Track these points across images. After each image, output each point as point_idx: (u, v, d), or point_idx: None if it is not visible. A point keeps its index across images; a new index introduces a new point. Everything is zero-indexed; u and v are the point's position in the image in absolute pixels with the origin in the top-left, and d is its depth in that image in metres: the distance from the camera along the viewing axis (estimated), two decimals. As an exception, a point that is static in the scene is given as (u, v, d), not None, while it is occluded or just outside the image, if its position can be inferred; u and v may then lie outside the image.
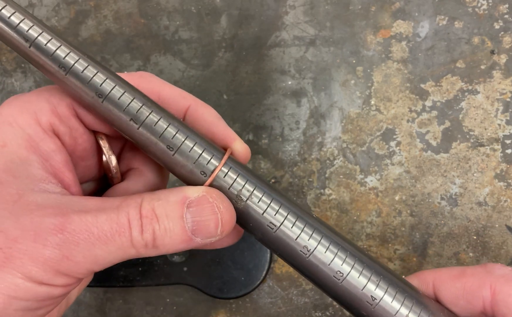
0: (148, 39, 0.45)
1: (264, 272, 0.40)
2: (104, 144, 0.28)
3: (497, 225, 0.40)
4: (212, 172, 0.25)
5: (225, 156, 0.25)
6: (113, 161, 0.28)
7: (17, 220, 0.22)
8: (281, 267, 0.41)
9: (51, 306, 0.24)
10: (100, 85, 0.24)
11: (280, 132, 0.43)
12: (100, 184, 0.31)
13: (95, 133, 0.28)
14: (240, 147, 0.28)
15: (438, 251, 0.40)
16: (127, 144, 0.30)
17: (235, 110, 0.44)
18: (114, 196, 0.27)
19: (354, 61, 0.43)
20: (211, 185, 0.25)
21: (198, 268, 0.41)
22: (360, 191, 0.41)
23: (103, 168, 0.29)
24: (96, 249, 0.22)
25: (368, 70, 0.43)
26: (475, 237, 0.40)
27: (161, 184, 0.30)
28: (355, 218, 0.41)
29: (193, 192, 0.24)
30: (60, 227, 0.22)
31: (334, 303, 0.41)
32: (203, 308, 0.42)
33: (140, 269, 0.41)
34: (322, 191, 0.42)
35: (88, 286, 0.41)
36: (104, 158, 0.28)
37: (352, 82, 0.43)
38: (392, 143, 0.41)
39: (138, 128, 0.24)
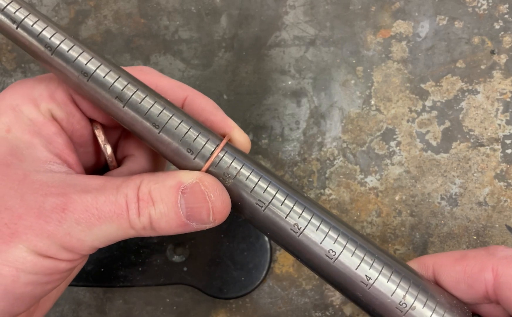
0: (148, 39, 0.45)
1: (264, 272, 0.40)
2: (99, 133, 0.28)
3: (497, 225, 0.40)
4: (209, 157, 0.24)
5: (223, 141, 0.25)
6: (108, 150, 0.28)
7: (22, 198, 0.23)
8: (281, 267, 0.42)
9: (59, 280, 0.24)
10: (85, 65, 0.25)
11: (280, 132, 0.43)
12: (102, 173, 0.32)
13: (91, 123, 0.28)
14: (239, 136, 0.27)
15: (438, 251, 0.40)
16: (124, 133, 0.30)
17: (235, 110, 0.44)
18: None
19: (354, 61, 0.43)
20: (208, 171, 0.25)
21: (198, 268, 0.41)
22: (360, 191, 0.41)
23: (102, 157, 0.30)
24: (96, 228, 0.23)
25: (368, 70, 0.42)
26: (475, 237, 0.40)
27: (156, 169, 0.30)
28: (355, 218, 0.41)
29: (187, 177, 0.24)
30: (62, 206, 0.22)
31: (334, 303, 0.41)
32: (203, 308, 0.42)
33: (140, 269, 0.41)
34: (322, 191, 0.42)
35: (88, 286, 0.41)
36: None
37: (352, 82, 0.43)
38: (392, 143, 0.41)
39: (123, 107, 0.24)
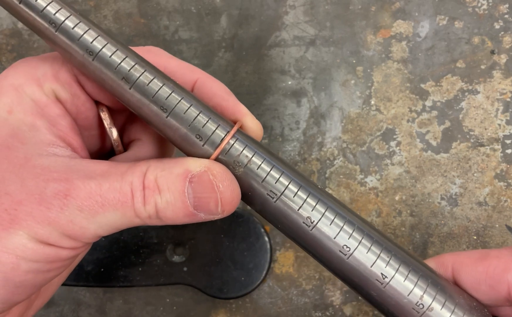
0: (148, 39, 0.45)
1: (264, 272, 0.40)
2: (104, 116, 0.27)
3: (497, 225, 0.40)
4: (219, 144, 0.23)
5: (234, 128, 0.24)
6: (114, 133, 0.27)
7: (22, 183, 0.22)
8: (281, 267, 0.41)
9: (61, 268, 0.23)
10: (91, 43, 0.23)
11: (280, 132, 0.43)
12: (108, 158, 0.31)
13: (97, 105, 0.27)
14: (251, 122, 0.26)
15: (438, 251, 0.40)
16: (131, 117, 0.29)
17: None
18: None
19: (354, 61, 0.43)
20: (218, 159, 0.23)
21: (198, 268, 0.41)
22: (360, 191, 0.41)
23: (107, 141, 0.29)
24: (99, 216, 0.22)
25: (368, 70, 0.42)
26: (475, 237, 0.40)
27: (164, 155, 0.29)
28: (355, 218, 0.41)
29: (195, 165, 0.23)
30: (64, 193, 0.22)
31: (335, 303, 0.41)
32: (203, 308, 0.42)
33: (140, 269, 0.41)
34: (322, 191, 0.42)
35: (88, 286, 0.41)
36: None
37: (352, 82, 0.43)
38: (392, 143, 0.41)
39: (130, 88, 0.23)
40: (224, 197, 0.23)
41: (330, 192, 0.42)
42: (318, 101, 0.43)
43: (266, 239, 0.41)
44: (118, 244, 0.41)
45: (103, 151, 0.30)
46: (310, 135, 0.42)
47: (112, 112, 0.28)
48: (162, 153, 0.29)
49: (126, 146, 0.29)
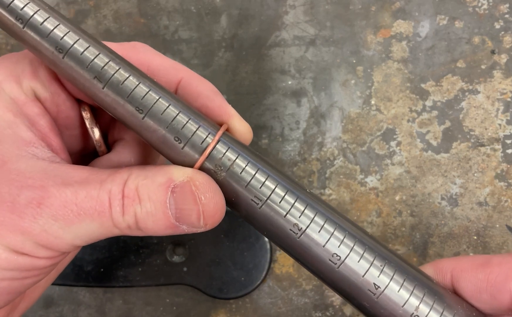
0: (148, 39, 0.45)
1: (264, 272, 0.40)
2: (86, 115, 0.25)
3: (497, 225, 0.40)
4: (204, 150, 0.22)
5: (219, 132, 0.22)
6: (96, 133, 0.26)
7: None
8: (281, 267, 0.41)
9: (40, 276, 0.23)
10: (60, 39, 0.22)
11: (280, 132, 0.43)
12: (91, 158, 0.29)
13: (79, 103, 0.26)
14: (239, 124, 0.24)
15: (439, 251, 0.40)
16: None
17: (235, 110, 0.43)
18: (98, 167, 0.25)
19: (354, 61, 0.43)
20: (202, 167, 0.22)
21: (198, 268, 0.41)
22: (360, 191, 0.41)
23: (91, 141, 0.28)
24: (75, 226, 0.21)
25: (368, 70, 0.42)
26: (475, 237, 0.40)
27: (148, 156, 0.28)
28: (355, 218, 0.41)
29: (178, 174, 0.21)
30: (38, 201, 0.21)
31: (335, 303, 0.41)
32: (203, 308, 0.42)
33: (140, 269, 0.41)
34: (322, 191, 0.42)
35: (88, 286, 0.41)
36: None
37: (352, 82, 0.43)
38: (393, 143, 0.41)
39: (103, 88, 0.22)
40: (206, 209, 0.21)
41: (330, 192, 0.42)
42: (318, 101, 0.43)
43: (266, 239, 0.41)
44: (118, 244, 0.41)
45: (86, 152, 0.29)
46: (310, 135, 0.42)
47: (96, 111, 0.26)
48: (146, 154, 0.27)
49: (111, 146, 0.28)
